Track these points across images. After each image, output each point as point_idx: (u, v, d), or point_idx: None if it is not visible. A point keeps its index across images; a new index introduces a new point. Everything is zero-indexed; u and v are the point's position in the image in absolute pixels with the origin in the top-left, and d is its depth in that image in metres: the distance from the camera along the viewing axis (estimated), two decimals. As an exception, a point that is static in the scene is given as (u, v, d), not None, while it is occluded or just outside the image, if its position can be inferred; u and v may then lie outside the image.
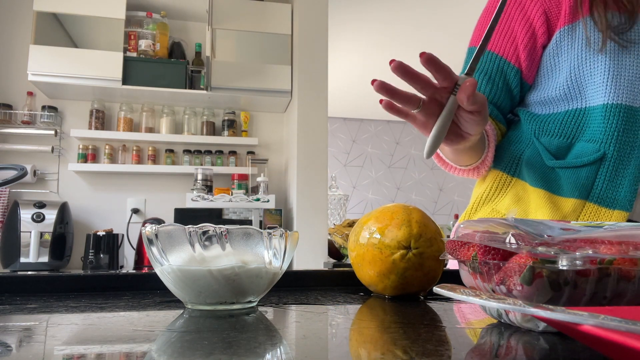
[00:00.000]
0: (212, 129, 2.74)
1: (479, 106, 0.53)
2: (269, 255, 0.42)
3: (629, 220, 0.71)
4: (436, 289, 0.34)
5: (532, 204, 0.75)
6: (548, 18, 0.76)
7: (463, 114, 0.55)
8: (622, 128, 0.70)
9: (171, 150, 2.67)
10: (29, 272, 0.58)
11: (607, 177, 0.71)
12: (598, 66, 0.71)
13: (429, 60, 0.50)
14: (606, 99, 0.71)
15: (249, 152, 2.75)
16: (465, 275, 0.38)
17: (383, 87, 0.52)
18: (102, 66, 2.42)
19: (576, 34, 0.74)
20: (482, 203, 0.84)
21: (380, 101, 0.53)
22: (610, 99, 0.70)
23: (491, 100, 0.80)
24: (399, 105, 0.54)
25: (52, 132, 2.51)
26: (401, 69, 0.50)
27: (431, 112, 0.54)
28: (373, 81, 0.51)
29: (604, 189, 0.71)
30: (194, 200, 2.38)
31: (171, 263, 0.41)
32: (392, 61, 0.50)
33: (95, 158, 2.58)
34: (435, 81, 0.53)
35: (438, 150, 0.78)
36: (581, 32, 0.73)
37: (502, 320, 0.36)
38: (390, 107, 0.54)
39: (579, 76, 0.74)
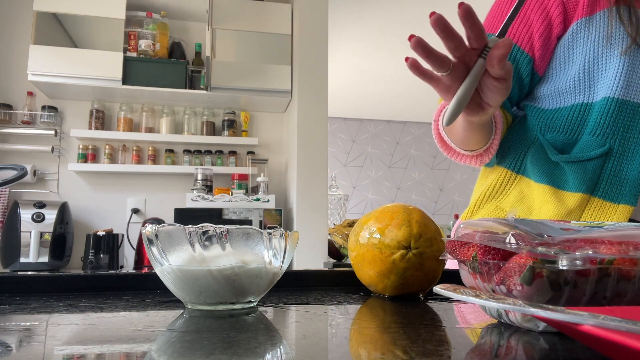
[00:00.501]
0: (212, 129, 2.74)
1: (506, 72, 0.52)
2: (269, 255, 0.42)
3: (631, 219, 0.70)
4: (436, 289, 0.34)
5: (537, 200, 0.75)
6: (565, 8, 0.74)
7: (487, 81, 0.54)
8: (628, 124, 0.70)
9: (171, 150, 2.67)
10: (29, 272, 0.58)
11: (613, 171, 0.71)
12: (613, 61, 0.71)
13: (467, 12, 0.48)
14: (616, 93, 0.70)
15: (249, 152, 2.75)
16: (465, 275, 0.38)
17: (420, 45, 0.50)
18: (102, 66, 2.43)
19: (593, 27, 0.72)
20: (485, 200, 0.83)
21: (406, 59, 0.51)
22: (620, 94, 0.70)
23: None
24: (423, 67, 0.53)
25: (52, 132, 2.51)
26: (440, 24, 0.49)
27: (457, 76, 0.53)
28: (410, 37, 0.49)
29: (609, 184, 0.71)
30: (194, 200, 2.38)
31: (171, 263, 0.41)
32: (432, 13, 0.48)
33: (95, 158, 2.58)
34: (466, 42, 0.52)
35: (444, 135, 0.77)
36: (599, 25, 0.72)
37: (502, 320, 0.36)
38: (415, 67, 0.52)
39: (592, 70, 0.73)
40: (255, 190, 2.58)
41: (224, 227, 0.40)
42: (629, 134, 0.70)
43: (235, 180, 2.62)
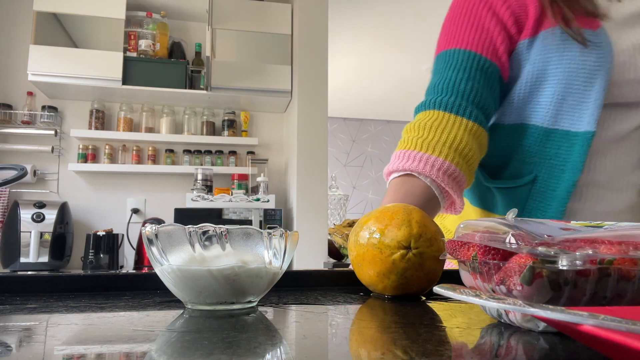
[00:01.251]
0: (212, 129, 2.74)
1: None
2: (269, 255, 0.42)
3: None
4: (436, 289, 0.34)
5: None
6: (518, 21, 0.70)
7: None
8: (555, 152, 0.69)
9: (171, 150, 2.67)
10: (29, 272, 0.58)
11: (538, 197, 0.70)
12: (547, 87, 0.69)
13: None
14: (545, 123, 0.69)
15: (249, 152, 2.75)
16: (465, 275, 0.38)
17: None
18: (102, 66, 2.43)
19: (532, 50, 0.70)
20: (438, 218, 0.85)
21: None
22: (550, 124, 0.69)
23: (474, 100, 0.70)
24: None
25: (52, 132, 2.51)
26: None
27: None
28: None
29: (534, 208, 0.71)
30: (194, 200, 2.38)
31: (171, 263, 0.41)
32: None
33: (95, 158, 2.58)
34: None
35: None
36: (536, 48, 0.69)
37: (502, 320, 0.36)
38: None
39: (527, 92, 0.71)
40: (255, 190, 2.58)
41: (224, 227, 0.40)
42: (554, 161, 0.69)
43: (235, 180, 2.62)
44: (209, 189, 2.51)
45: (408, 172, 0.65)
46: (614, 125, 0.69)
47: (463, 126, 0.67)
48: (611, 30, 0.68)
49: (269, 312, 0.41)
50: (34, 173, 2.50)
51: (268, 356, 0.26)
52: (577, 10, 0.68)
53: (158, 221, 2.41)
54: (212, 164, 2.68)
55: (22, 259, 2.24)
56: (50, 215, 2.30)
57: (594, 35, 0.66)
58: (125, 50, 2.53)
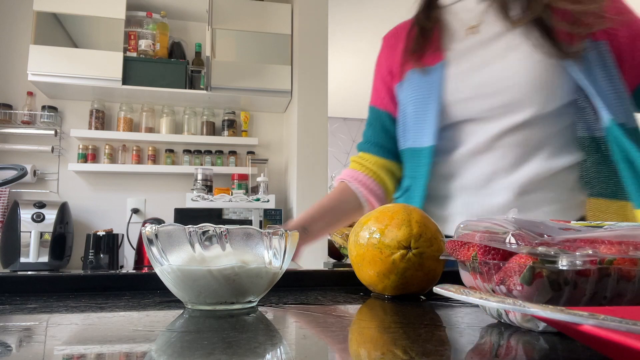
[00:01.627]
0: (212, 129, 2.74)
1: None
2: (269, 255, 0.42)
3: None
4: (436, 289, 0.34)
5: None
6: (392, 74, 0.94)
7: None
8: (415, 165, 0.87)
9: (171, 150, 2.67)
10: (29, 272, 0.58)
11: (407, 203, 0.86)
12: (406, 117, 0.88)
13: None
14: (408, 143, 0.88)
15: (249, 152, 2.75)
16: (465, 275, 0.38)
17: None
18: (102, 66, 2.42)
19: (402, 90, 0.90)
20: None
21: None
22: (410, 144, 0.88)
23: (374, 142, 0.98)
24: None
25: (52, 132, 2.51)
26: None
27: None
28: None
29: None
30: (194, 200, 2.38)
31: (171, 263, 0.41)
32: None
33: (95, 158, 2.58)
34: None
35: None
36: (404, 88, 0.89)
37: (502, 320, 0.36)
38: None
39: (401, 124, 0.91)
40: (255, 190, 2.58)
41: (224, 227, 0.40)
42: (414, 173, 0.87)
43: (235, 180, 2.62)
44: (209, 189, 2.51)
45: (345, 180, 0.96)
46: (472, 138, 0.82)
47: (373, 160, 0.97)
48: (454, 60, 0.84)
49: (269, 312, 0.41)
50: (34, 173, 2.50)
51: (268, 356, 0.26)
52: (425, 53, 0.88)
53: (158, 221, 2.41)
54: (212, 164, 2.68)
55: (22, 259, 2.23)
56: (50, 215, 2.30)
57: (430, 69, 0.85)
58: (125, 50, 2.53)
